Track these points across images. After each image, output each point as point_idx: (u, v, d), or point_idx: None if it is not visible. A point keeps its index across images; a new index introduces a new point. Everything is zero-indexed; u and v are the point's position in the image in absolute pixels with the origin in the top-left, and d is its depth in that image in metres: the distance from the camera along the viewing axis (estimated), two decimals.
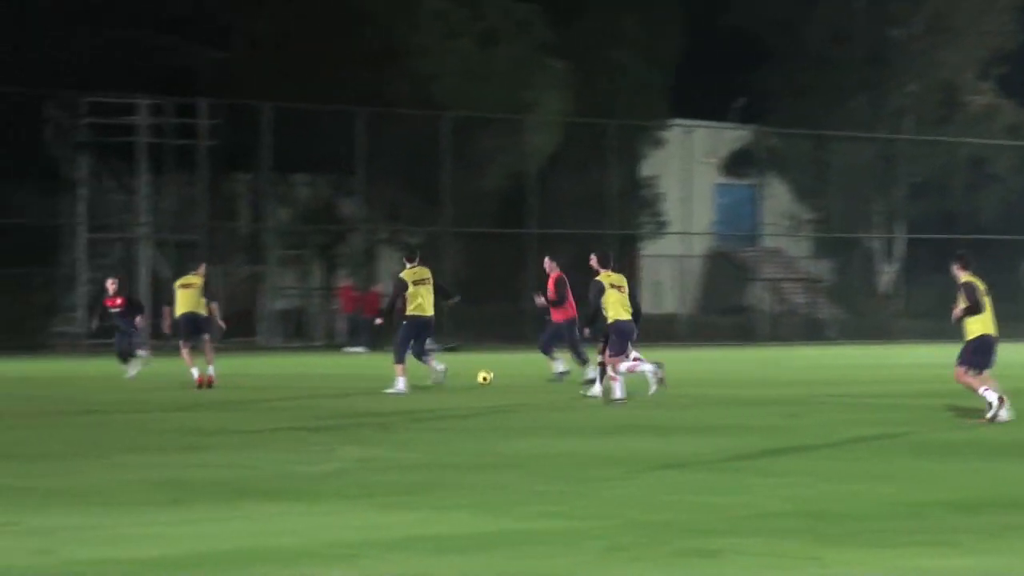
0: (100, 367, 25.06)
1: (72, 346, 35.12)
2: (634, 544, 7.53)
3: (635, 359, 17.66)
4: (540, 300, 21.04)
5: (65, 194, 38.30)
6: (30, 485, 9.80)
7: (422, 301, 18.90)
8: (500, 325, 41.58)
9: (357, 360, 29.20)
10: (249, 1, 40.71)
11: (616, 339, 17.09)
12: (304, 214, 41.52)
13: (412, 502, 9.01)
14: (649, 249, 46.50)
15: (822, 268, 49.10)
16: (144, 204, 38.93)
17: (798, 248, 49.41)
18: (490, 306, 39.94)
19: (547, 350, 21.00)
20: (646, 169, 45.77)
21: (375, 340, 36.77)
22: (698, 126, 46.56)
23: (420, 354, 19.41)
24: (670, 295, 46.40)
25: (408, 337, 19.03)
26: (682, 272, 46.24)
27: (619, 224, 43.82)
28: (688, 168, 45.09)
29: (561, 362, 20.91)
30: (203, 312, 20.87)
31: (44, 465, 11.06)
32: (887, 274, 48.04)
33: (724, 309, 47.14)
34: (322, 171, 41.20)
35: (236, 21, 41.16)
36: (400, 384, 18.78)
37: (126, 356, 23.44)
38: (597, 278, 17.26)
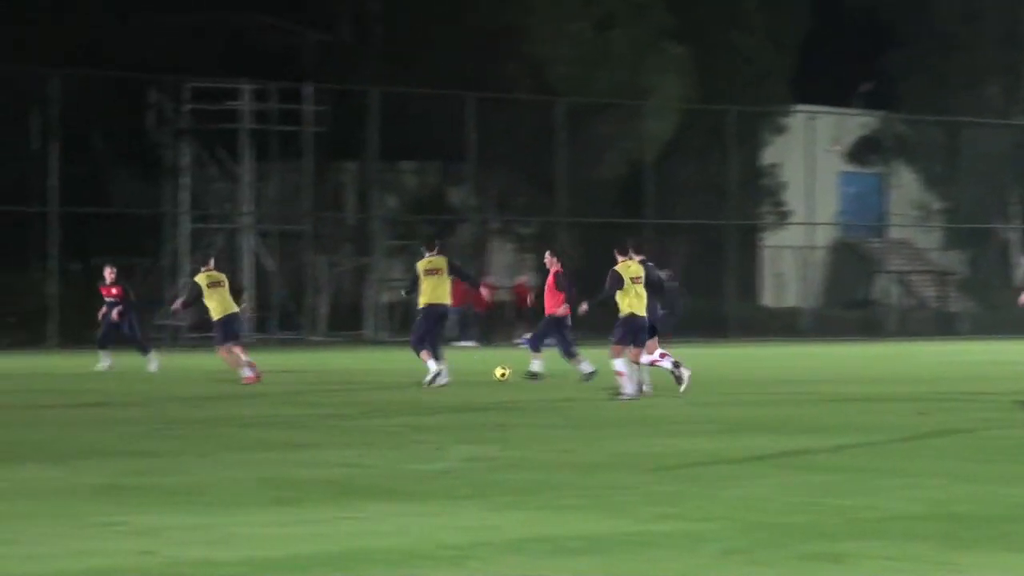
0: (201, 361, 25.23)
1: (174, 339, 34.72)
2: (753, 547, 7.28)
3: (661, 355, 17.24)
4: (533, 300, 21.06)
5: (167, 182, 37.84)
6: (134, 484, 9.73)
7: (433, 291, 19.25)
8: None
9: (468, 355, 29.03)
10: None
11: (622, 332, 16.73)
12: (412, 203, 41.21)
13: (523, 502, 8.82)
14: (771, 240, 45.79)
15: (952, 260, 47.96)
16: (247, 193, 38.38)
17: (927, 239, 48.31)
18: None
19: (570, 354, 20.59)
20: (768, 157, 44.98)
21: (486, 334, 36.59)
22: (822, 112, 45.63)
23: (434, 347, 19.32)
24: (793, 288, 45.69)
25: (425, 328, 19.13)
26: (805, 264, 45.46)
27: (739, 214, 43.16)
28: (812, 156, 44.22)
29: (587, 363, 20.45)
30: (236, 310, 20.26)
31: (147, 463, 10.99)
32: None
33: (849, 303, 46.31)
34: (431, 158, 40.90)
35: (343, 3, 40.94)
36: (431, 366, 18.82)
37: (105, 344, 23.20)
38: (615, 268, 16.91)
